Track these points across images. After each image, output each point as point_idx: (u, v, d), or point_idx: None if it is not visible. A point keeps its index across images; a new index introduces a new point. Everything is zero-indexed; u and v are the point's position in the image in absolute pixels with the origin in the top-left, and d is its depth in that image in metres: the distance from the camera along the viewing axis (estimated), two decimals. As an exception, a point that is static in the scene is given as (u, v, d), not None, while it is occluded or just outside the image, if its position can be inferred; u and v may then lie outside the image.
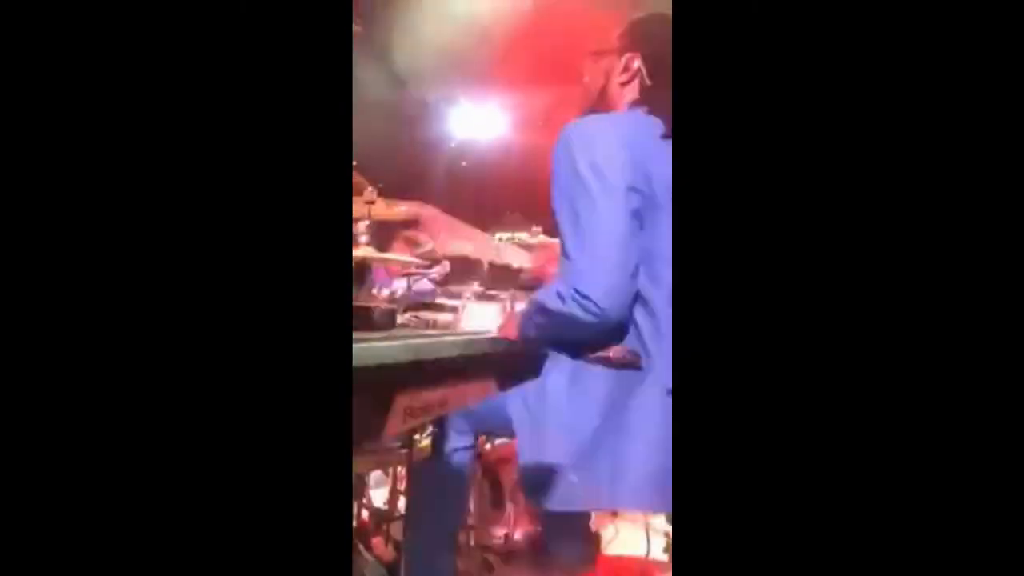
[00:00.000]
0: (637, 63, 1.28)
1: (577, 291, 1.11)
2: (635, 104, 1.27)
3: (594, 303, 1.10)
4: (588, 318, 1.11)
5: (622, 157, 1.14)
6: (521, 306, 1.48)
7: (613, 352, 1.18)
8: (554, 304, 1.15)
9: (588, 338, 1.17)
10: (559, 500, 1.17)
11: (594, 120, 1.23)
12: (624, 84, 1.29)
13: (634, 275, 1.14)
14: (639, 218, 1.14)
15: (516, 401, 1.26)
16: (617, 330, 1.16)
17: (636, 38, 1.30)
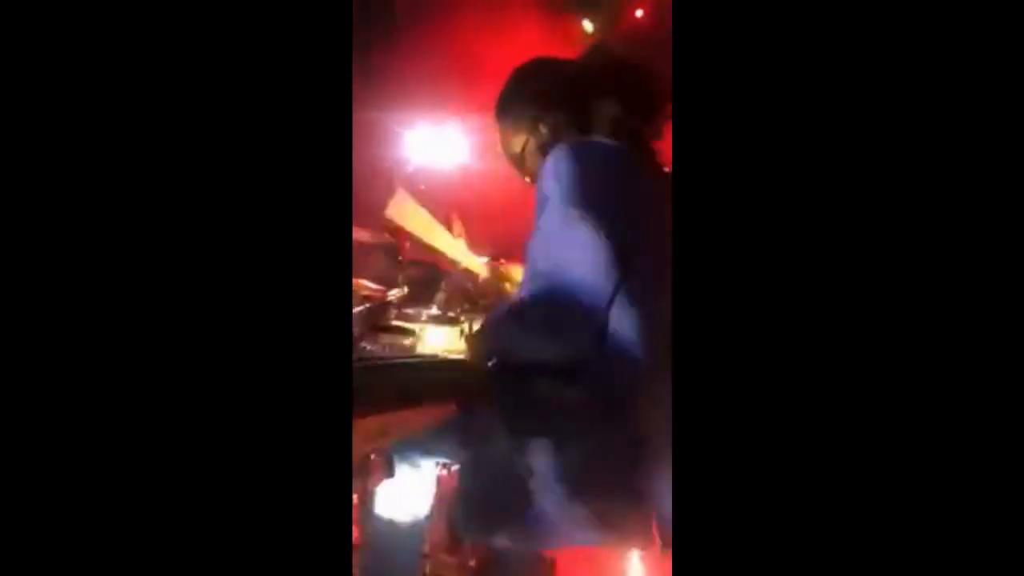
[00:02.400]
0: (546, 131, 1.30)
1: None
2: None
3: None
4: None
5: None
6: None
7: None
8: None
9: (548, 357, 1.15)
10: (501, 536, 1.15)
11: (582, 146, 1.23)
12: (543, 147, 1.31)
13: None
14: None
15: (472, 423, 1.24)
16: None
17: (539, 104, 1.34)
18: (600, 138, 1.27)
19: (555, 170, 1.18)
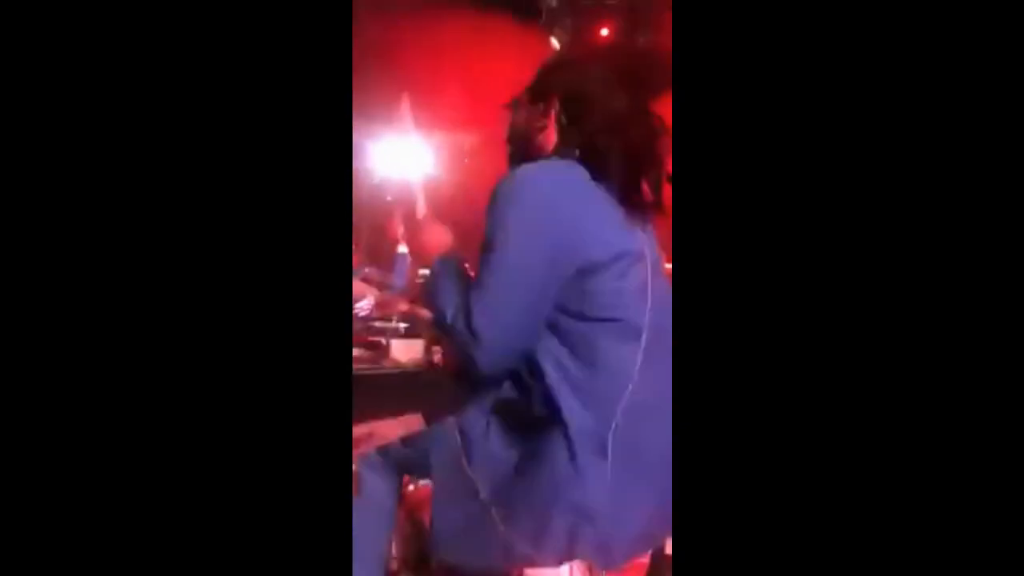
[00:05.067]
0: (553, 111, 1.29)
1: (468, 313, 1.11)
2: (560, 148, 1.27)
3: (473, 329, 1.09)
4: (462, 339, 1.10)
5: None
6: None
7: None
8: (442, 319, 1.15)
9: (464, 363, 1.14)
10: (476, 556, 1.12)
11: (531, 173, 1.21)
12: (542, 130, 1.30)
13: (528, 327, 1.12)
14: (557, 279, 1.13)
15: (438, 437, 1.22)
16: (492, 366, 1.14)
17: (546, 87, 1.32)
18: (566, 159, 1.25)
19: (495, 196, 1.17)
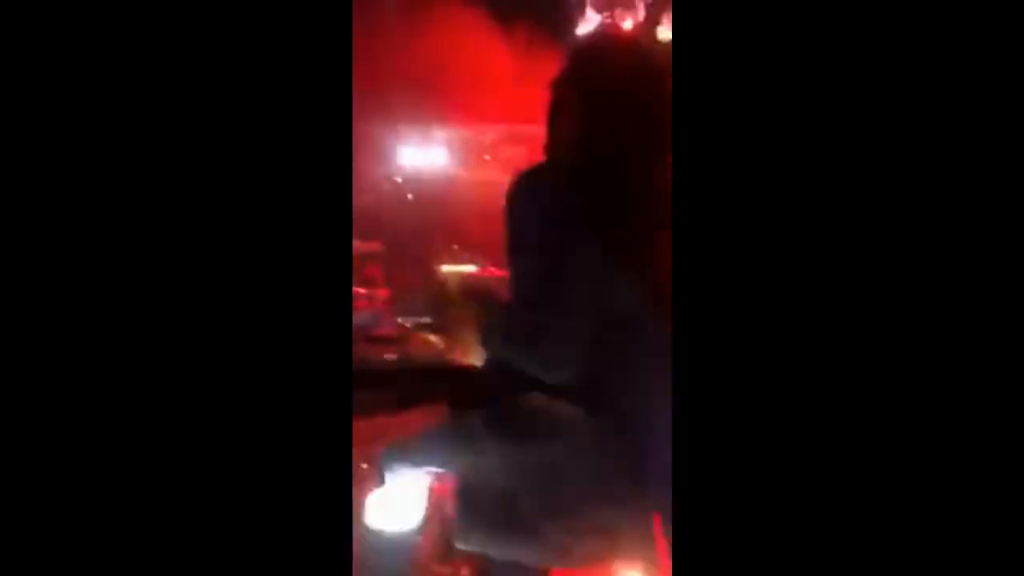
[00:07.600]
0: (573, 102, 1.26)
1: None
2: (575, 145, 1.25)
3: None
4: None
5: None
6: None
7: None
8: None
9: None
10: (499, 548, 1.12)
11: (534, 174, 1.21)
12: (565, 122, 1.28)
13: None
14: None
15: (462, 428, 1.22)
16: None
17: (573, 76, 1.30)
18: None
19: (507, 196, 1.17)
